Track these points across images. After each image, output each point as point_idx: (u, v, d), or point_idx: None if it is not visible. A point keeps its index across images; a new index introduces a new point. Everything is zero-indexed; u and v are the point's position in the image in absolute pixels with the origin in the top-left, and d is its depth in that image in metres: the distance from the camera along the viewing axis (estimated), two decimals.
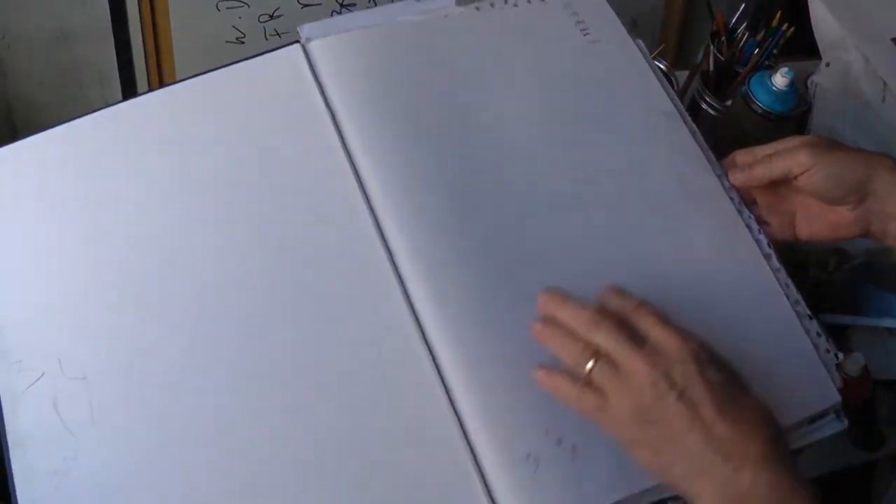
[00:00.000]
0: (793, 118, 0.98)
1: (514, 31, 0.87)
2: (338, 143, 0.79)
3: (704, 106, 1.14)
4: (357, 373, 0.71)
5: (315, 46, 0.84)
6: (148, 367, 0.71)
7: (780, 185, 0.78)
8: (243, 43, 1.39)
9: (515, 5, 0.87)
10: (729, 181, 0.79)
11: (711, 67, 1.15)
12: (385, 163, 0.78)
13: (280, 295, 0.75)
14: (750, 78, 0.98)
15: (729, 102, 1.14)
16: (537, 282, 0.70)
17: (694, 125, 0.82)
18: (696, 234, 0.77)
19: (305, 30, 0.86)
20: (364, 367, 0.72)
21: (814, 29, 1.17)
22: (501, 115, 0.82)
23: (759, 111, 0.96)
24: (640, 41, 0.87)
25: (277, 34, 1.40)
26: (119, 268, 0.75)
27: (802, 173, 0.75)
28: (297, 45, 0.85)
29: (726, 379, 0.63)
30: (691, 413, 0.61)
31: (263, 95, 0.84)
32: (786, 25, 1.17)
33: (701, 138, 0.81)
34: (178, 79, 1.36)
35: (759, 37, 1.20)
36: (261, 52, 1.39)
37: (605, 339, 0.64)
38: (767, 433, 0.62)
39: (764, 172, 0.77)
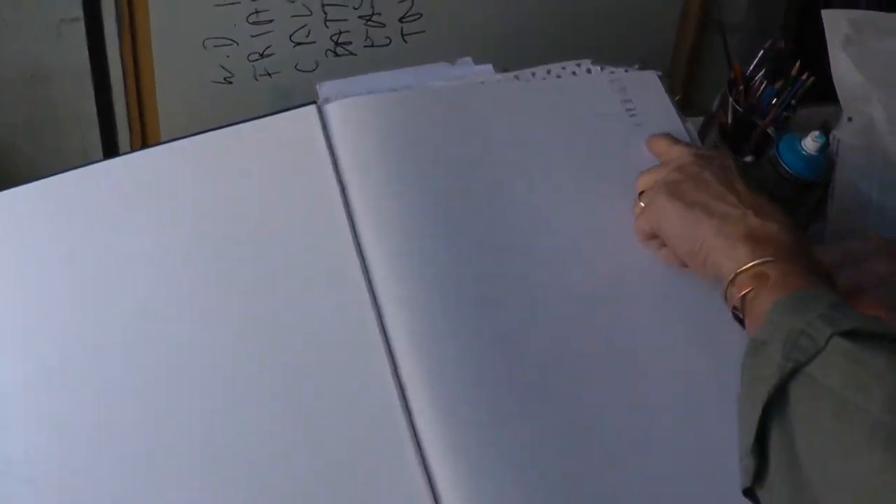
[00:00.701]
0: (822, 184, 0.93)
1: (553, 107, 0.80)
2: (345, 221, 0.72)
3: None
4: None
5: (332, 109, 0.77)
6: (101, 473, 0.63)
7: None
8: (231, 83, 1.33)
9: (558, 76, 0.80)
10: None
11: (730, 120, 1.10)
12: (395, 250, 0.71)
13: (262, 375, 0.68)
14: (779, 141, 0.92)
15: (748, 158, 1.09)
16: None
17: None
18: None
19: (325, 88, 0.79)
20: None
21: (834, 81, 1.12)
22: (531, 200, 0.75)
23: (788, 176, 0.91)
24: (691, 126, 0.81)
25: (268, 74, 1.34)
26: (84, 350, 0.68)
27: None
28: (312, 107, 0.78)
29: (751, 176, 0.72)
30: (726, 181, 0.70)
31: (270, 160, 0.77)
32: (806, 75, 1.12)
33: None
34: (160, 120, 1.31)
35: (778, 86, 1.14)
36: (250, 92, 1.34)
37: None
38: (782, 209, 0.69)
39: None
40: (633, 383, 0.67)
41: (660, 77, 0.83)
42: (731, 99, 1.11)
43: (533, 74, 0.80)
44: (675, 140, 0.78)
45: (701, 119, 1.20)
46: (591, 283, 0.71)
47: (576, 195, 0.75)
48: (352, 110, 0.76)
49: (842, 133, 1.07)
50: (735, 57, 1.17)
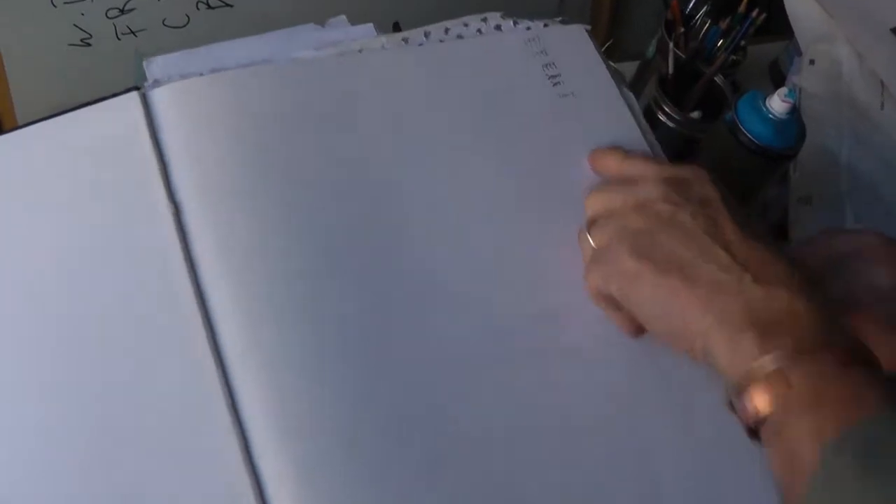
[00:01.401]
0: (792, 154, 0.75)
1: (452, 78, 0.61)
2: (178, 249, 0.53)
3: (663, 118, 0.90)
4: None
5: (159, 96, 0.58)
6: None
7: None
8: (90, 45, 1.12)
9: (459, 36, 0.61)
10: None
11: (670, 69, 0.92)
12: (234, 265, 0.53)
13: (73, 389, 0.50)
14: (737, 102, 0.75)
15: (695, 114, 0.92)
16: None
17: None
18: None
19: (154, 66, 0.60)
20: None
21: (790, 17, 0.95)
22: (425, 205, 0.57)
23: (752, 146, 0.73)
24: (633, 96, 0.62)
25: (132, 32, 1.12)
26: None
27: None
28: (133, 95, 0.58)
29: (738, 205, 0.54)
30: (710, 226, 0.51)
31: (79, 168, 0.57)
32: (756, 11, 0.95)
33: None
34: (11, 93, 1.10)
35: (724, 25, 0.97)
36: (112, 56, 1.13)
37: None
38: (787, 259, 0.51)
39: None
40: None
41: (589, 32, 0.64)
42: (670, 43, 0.94)
43: (426, 35, 0.61)
44: (629, 154, 0.59)
45: (635, 65, 1.02)
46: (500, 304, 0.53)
47: (483, 196, 0.56)
48: (185, 97, 0.57)
49: (803, 80, 0.90)
50: None
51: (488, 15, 0.64)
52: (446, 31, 0.62)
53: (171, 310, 0.50)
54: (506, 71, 0.61)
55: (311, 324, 0.50)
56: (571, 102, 0.61)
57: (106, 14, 1.11)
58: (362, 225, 0.54)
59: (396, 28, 0.77)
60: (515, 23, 0.64)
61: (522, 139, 0.59)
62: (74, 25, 1.10)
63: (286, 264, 0.51)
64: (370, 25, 0.62)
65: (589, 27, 0.66)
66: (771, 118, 0.72)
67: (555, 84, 0.62)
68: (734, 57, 0.98)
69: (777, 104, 0.71)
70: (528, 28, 0.64)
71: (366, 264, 0.53)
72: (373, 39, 0.60)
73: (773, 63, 1.12)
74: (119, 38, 1.13)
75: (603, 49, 0.69)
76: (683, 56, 0.94)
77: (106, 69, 1.14)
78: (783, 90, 0.71)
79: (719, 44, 0.98)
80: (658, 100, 0.91)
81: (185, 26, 1.12)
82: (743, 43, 0.99)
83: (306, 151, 0.56)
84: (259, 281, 0.51)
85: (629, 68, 1.03)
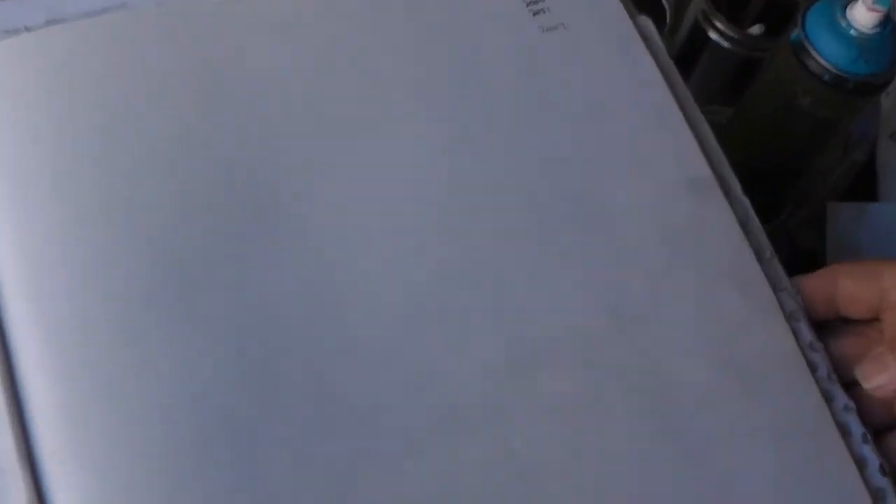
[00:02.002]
0: (882, 85, 0.54)
1: (383, 17, 0.42)
2: None
3: (714, 35, 0.70)
4: None
5: None
6: None
7: None
8: None
9: None
10: None
11: None
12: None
13: None
14: (805, 11, 0.54)
15: (756, 29, 0.71)
16: None
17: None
18: None
19: None
20: None
21: None
22: (323, 191, 0.39)
23: (826, 75, 0.52)
24: (652, 25, 0.43)
25: None
26: None
27: None
28: None
29: None
30: None
31: None
32: None
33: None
34: None
35: None
36: None
37: None
38: None
39: None
40: None
41: None
42: None
43: None
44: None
45: None
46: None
47: (424, 193, 0.38)
48: (4, 59, 0.39)
49: None
50: None
51: None
52: None
53: None
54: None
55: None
56: (559, 39, 0.42)
57: None
58: (233, 237, 0.36)
59: None
60: None
61: (482, 102, 0.40)
62: None
63: (102, 285, 0.34)
64: None
65: None
66: (853, 35, 0.51)
67: (535, 13, 0.42)
68: None
69: (861, 14, 0.51)
70: None
71: (231, 305, 0.35)
72: None
73: None
74: None
75: None
76: None
77: None
78: None
79: None
80: (707, 12, 0.71)
81: None
82: None
83: (160, 131, 0.38)
84: (64, 308, 0.34)
85: None
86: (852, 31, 0.51)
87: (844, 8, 0.52)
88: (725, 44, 0.70)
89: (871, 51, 0.51)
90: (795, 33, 0.53)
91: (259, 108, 0.40)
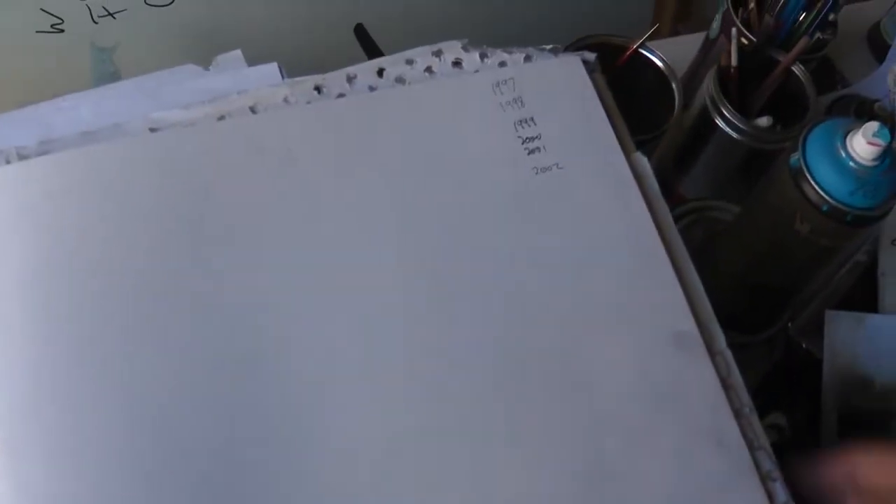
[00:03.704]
0: (878, 217, 0.53)
1: (384, 148, 0.41)
2: None
3: (721, 122, 0.69)
4: None
5: None
6: None
7: None
8: (63, 31, 0.96)
9: (399, 81, 0.42)
10: None
11: (734, 61, 0.70)
12: None
13: None
14: (805, 135, 0.53)
15: (763, 121, 0.70)
16: None
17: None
18: None
19: None
20: None
21: None
22: (301, 336, 0.38)
23: (825, 207, 0.52)
24: (647, 165, 0.42)
25: (110, 14, 0.95)
26: None
27: None
28: None
29: None
30: None
31: None
32: None
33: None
34: None
35: None
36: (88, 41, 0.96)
37: None
38: None
39: None
40: None
41: (590, 65, 0.44)
42: (735, 20, 0.72)
43: (350, 80, 0.41)
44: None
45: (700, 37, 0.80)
46: None
47: (412, 343, 0.37)
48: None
49: None
50: None
51: (444, 46, 0.44)
52: (380, 72, 0.42)
53: None
54: (457, 134, 0.41)
55: None
56: (554, 181, 0.41)
57: None
58: (204, 380, 0.36)
59: (360, 31, 0.57)
60: (484, 55, 0.44)
61: (466, 251, 0.39)
62: (42, 10, 0.94)
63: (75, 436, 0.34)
64: (274, 66, 0.42)
65: (592, 57, 0.45)
66: (852, 166, 0.50)
67: (530, 152, 0.42)
68: (821, 35, 0.75)
69: (861, 146, 0.50)
70: (503, 64, 0.43)
71: (199, 448, 0.35)
72: (275, 88, 0.41)
73: (872, 29, 0.88)
74: (96, 22, 0.96)
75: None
76: (753, 41, 0.72)
77: (83, 57, 0.98)
78: (871, 126, 0.50)
79: (801, 17, 0.75)
80: (716, 99, 0.69)
81: (170, 4, 0.95)
82: (833, 16, 0.76)
83: (133, 274, 0.37)
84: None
85: (697, 41, 0.80)
86: (851, 163, 0.50)
87: (845, 136, 0.51)
88: (732, 133, 0.69)
89: (870, 184, 0.50)
90: (795, 158, 0.52)
91: (243, 248, 0.39)
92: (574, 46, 0.72)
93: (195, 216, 0.39)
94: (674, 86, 0.70)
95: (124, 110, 0.41)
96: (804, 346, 0.63)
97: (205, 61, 0.43)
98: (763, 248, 0.55)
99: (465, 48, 0.44)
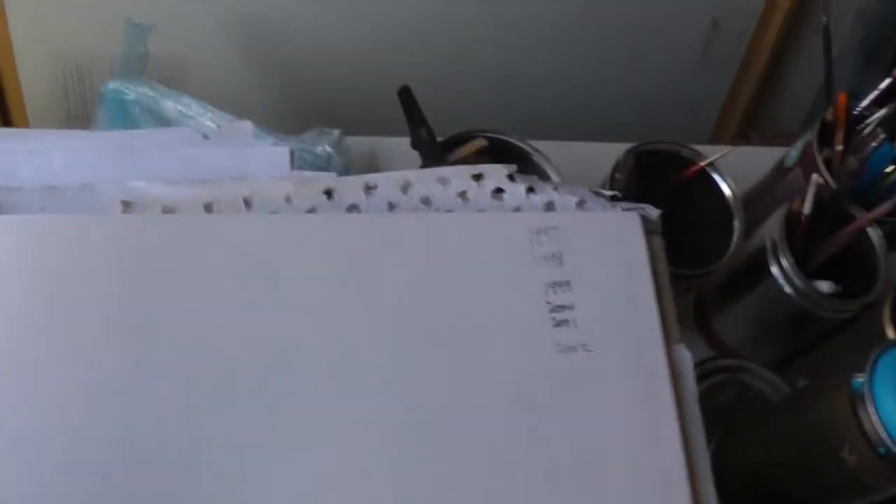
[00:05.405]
0: None
1: (374, 301, 0.34)
2: None
3: (776, 272, 0.61)
4: None
5: None
6: None
7: None
8: None
9: (425, 202, 0.34)
10: None
11: (808, 208, 0.62)
12: None
13: None
14: (879, 355, 0.45)
15: (825, 286, 0.62)
16: None
17: None
18: None
19: None
20: None
21: None
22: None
23: (880, 448, 0.43)
24: (686, 355, 0.34)
25: None
26: None
27: None
28: None
29: None
30: None
31: None
32: None
33: None
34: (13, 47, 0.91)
35: None
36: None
37: None
38: None
39: None
40: None
41: (650, 224, 0.36)
42: (818, 158, 0.64)
43: (368, 191, 0.34)
44: None
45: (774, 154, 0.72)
46: None
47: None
48: None
49: None
50: (841, 94, 0.69)
51: (487, 169, 0.36)
52: (404, 188, 0.34)
53: None
54: (475, 288, 0.33)
55: None
56: (576, 366, 0.33)
57: None
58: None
59: (405, 94, 0.50)
60: (531, 190, 0.36)
61: (461, 431, 0.32)
62: None
63: None
64: (284, 150, 0.34)
65: (655, 214, 0.37)
66: None
67: (557, 324, 0.34)
68: None
69: None
70: (549, 206, 0.36)
71: None
72: (274, 183, 0.33)
73: None
74: None
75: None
76: (831, 182, 0.64)
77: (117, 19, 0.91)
78: None
79: (888, 170, 0.68)
80: (778, 246, 0.61)
81: None
82: None
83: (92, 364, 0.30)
84: None
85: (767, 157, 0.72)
86: None
87: None
88: (785, 286, 0.61)
89: None
90: (859, 381, 0.44)
91: (190, 379, 0.32)
92: (635, 151, 0.64)
93: (147, 325, 0.31)
94: (735, 223, 0.63)
95: (101, 167, 0.34)
96: None
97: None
98: (795, 461, 0.47)
99: (510, 176, 0.37)
